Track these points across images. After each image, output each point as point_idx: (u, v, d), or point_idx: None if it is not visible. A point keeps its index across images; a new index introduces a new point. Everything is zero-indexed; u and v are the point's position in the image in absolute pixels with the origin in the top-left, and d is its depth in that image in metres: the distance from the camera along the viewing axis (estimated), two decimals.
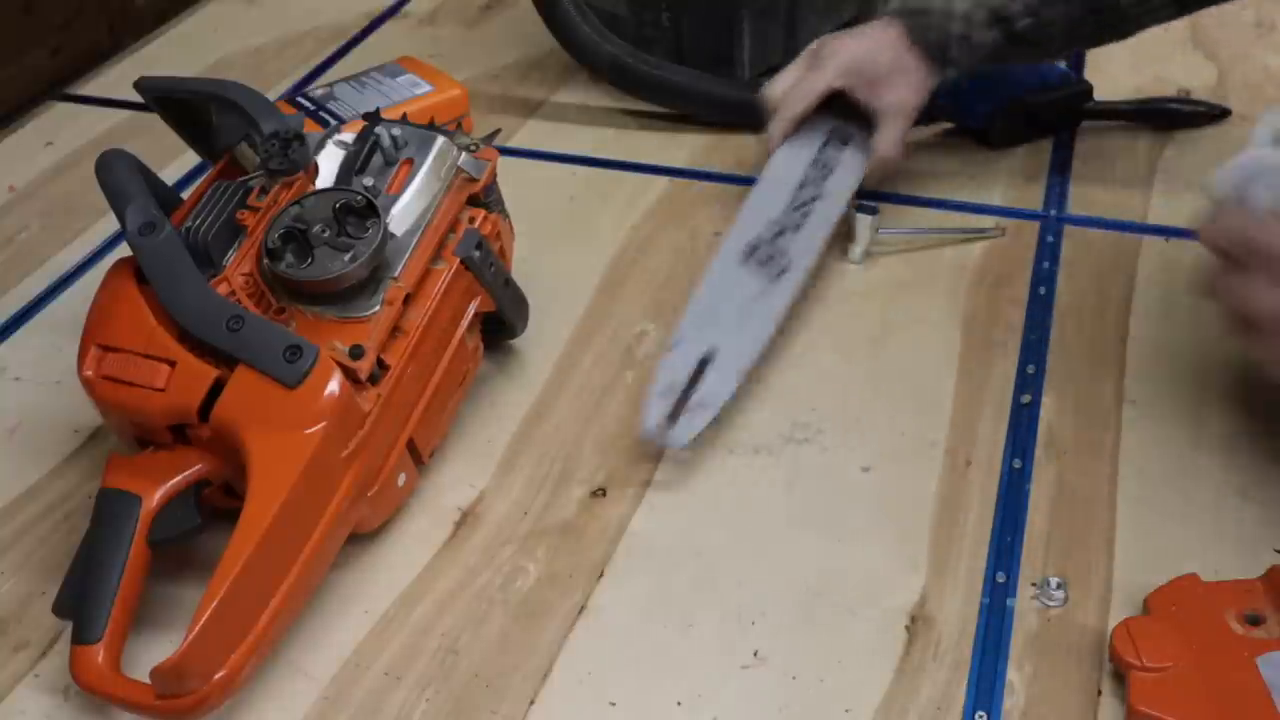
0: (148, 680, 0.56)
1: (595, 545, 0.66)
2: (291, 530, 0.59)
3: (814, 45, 0.86)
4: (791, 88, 0.86)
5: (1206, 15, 1.11)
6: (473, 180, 0.70)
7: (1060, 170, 0.93)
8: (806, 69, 0.86)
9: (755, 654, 0.60)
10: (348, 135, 0.70)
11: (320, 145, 0.70)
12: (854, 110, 0.86)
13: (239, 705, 0.59)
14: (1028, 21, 0.80)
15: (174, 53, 1.20)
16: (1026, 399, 0.73)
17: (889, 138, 0.85)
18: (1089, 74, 1.03)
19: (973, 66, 0.84)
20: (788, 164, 0.84)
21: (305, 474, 0.58)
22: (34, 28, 1.13)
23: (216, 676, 0.56)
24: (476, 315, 0.70)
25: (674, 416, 0.69)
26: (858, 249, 0.84)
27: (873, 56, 0.84)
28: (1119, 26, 0.82)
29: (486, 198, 0.71)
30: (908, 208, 0.90)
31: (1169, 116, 0.97)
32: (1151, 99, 0.99)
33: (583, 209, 0.93)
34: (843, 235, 0.85)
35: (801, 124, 0.86)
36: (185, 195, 0.69)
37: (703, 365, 0.71)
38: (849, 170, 0.84)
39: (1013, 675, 0.59)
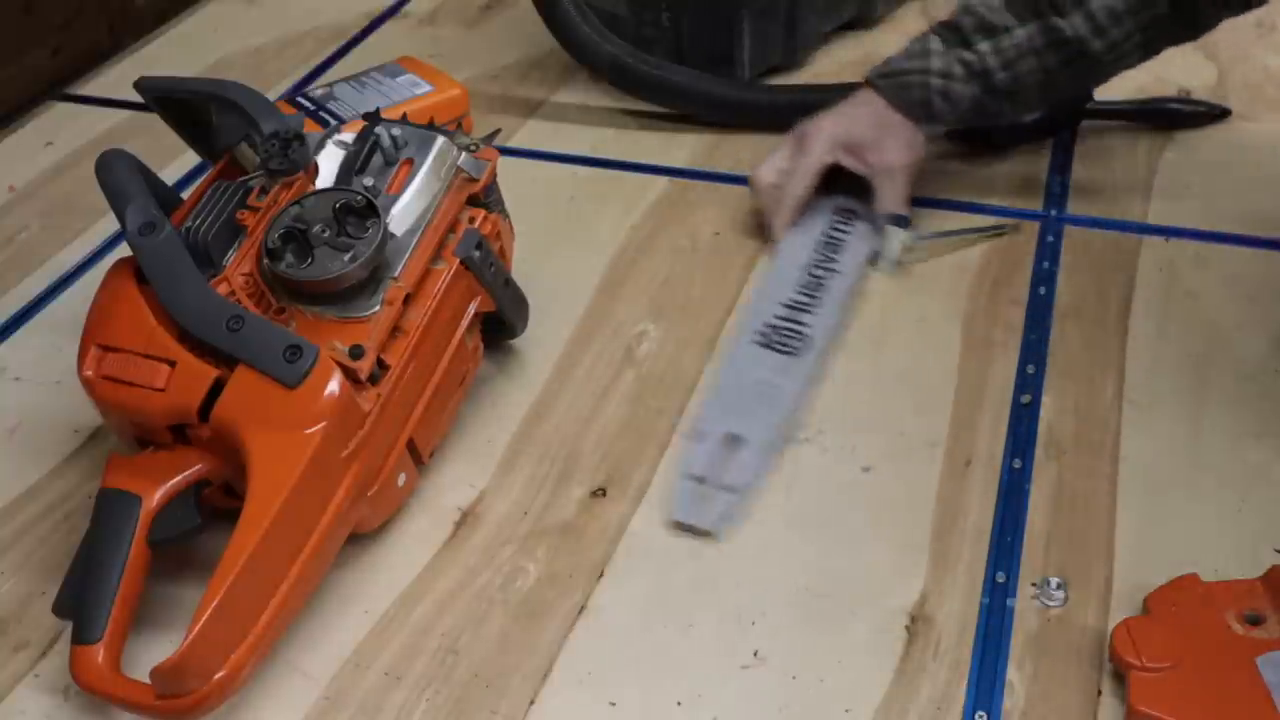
0: (148, 680, 0.56)
1: (595, 545, 0.66)
2: (291, 530, 0.59)
3: (795, 130, 0.87)
4: (784, 174, 0.86)
5: None
6: (473, 180, 0.70)
7: (1060, 170, 0.93)
8: (793, 153, 0.86)
9: (755, 654, 0.60)
10: (348, 135, 0.70)
11: (320, 145, 0.70)
12: (854, 182, 0.86)
13: (239, 705, 0.59)
14: (1004, 75, 0.80)
15: (174, 53, 1.20)
16: (1026, 399, 0.73)
17: (890, 197, 0.85)
18: None
19: (957, 120, 0.85)
20: (795, 247, 0.84)
21: (305, 474, 0.58)
22: (34, 28, 1.13)
23: (216, 676, 0.56)
24: (476, 315, 0.70)
25: (703, 500, 0.67)
26: (887, 261, 0.83)
27: (857, 125, 0.85)
28: (1091, 75, 0.83)
29: (486, 198, 0.71)
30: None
31: (1169, 116, 0.97)
32: (1151, 99, 0.99)
33: (583, 209, 0.93)
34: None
35: (804, 207, 0.86)
36: (185, 195, 0.70)
37: (730, 448, 0.70)
38: (859, 243, 0.84)
39: (1013, 675, 0.59)
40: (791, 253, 0.83)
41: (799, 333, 0.76)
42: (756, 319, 0.78)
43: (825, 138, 0.85)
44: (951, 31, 0.82)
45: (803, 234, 0.85)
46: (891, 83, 0.84)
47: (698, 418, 0.72)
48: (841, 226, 0.85)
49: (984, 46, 0.80)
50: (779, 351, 0.75)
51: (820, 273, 0.81)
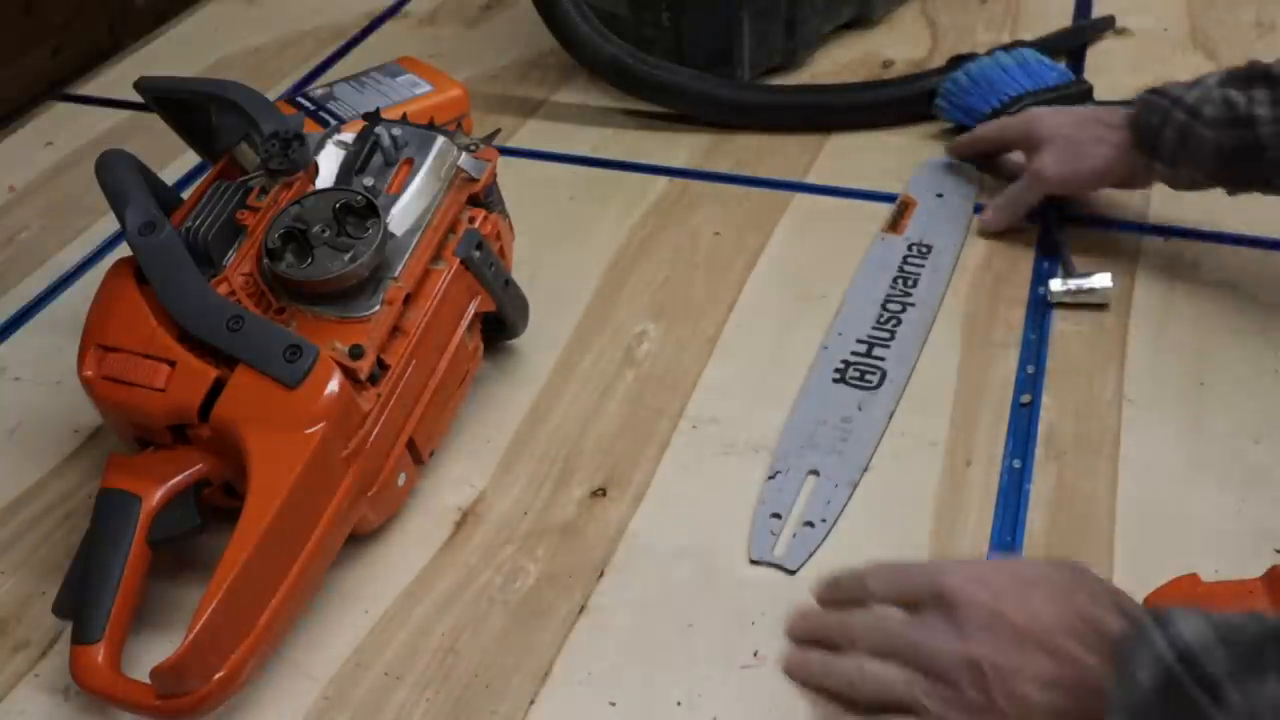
0: (148, 680, 0.56)
1: (595, 545, 0.66)
2: (291, 530, 0.59)
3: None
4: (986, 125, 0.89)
5: (1206, 15, 1.11)
6: (473, 180, 0.70)
7: None
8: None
9: (755, 654, 0.60)
10: (348, 135, 0.70)
11: (320, 145, 0.70)
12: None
13: (239, 705, 0.59)
14: (1273, 131, 0.70)
15: (174, 53, 1.20)
16: (1026, 399, 0.73)
17: (996, 203, 0.85)
18: (1089, 74, 1.02)
19: (1203, 174, 0.75)
20: (867, 285, 0.82)
21: (305, 474, 0.58)
22: (34, 28, 1.13)
23: (216, 676, 0.56)
24: (476, 315, 0.70)
25: (781, 537, 0.66)
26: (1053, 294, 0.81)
27: (1063, 119, 0.82)
28: None
29: (486, 198, 0.71)
30: None
31: None
32: None
33: (583, 209, 0.93)
34: None
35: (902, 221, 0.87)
36: (185, 195, 0.70)
37: (808, 485, 0.68)
38: (935, 276, 0.82)
39: None
40: (866, 288, 0.82)
41: (876, 367, 0.75)
42: (832, 356, 0.76)
43: (1027, 114, 0.86)
44: (1237, 72, 0.74)
45: (877, 268, 0.83)
46: (1143, 99, 0.77)
47: (774, 455, 0.70)
48: (916, 261, 0.84)
49: (1260, 94, 0.71)
50: (855, 387, 0.74)
51: (896, 306, 0.80)
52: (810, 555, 0.65)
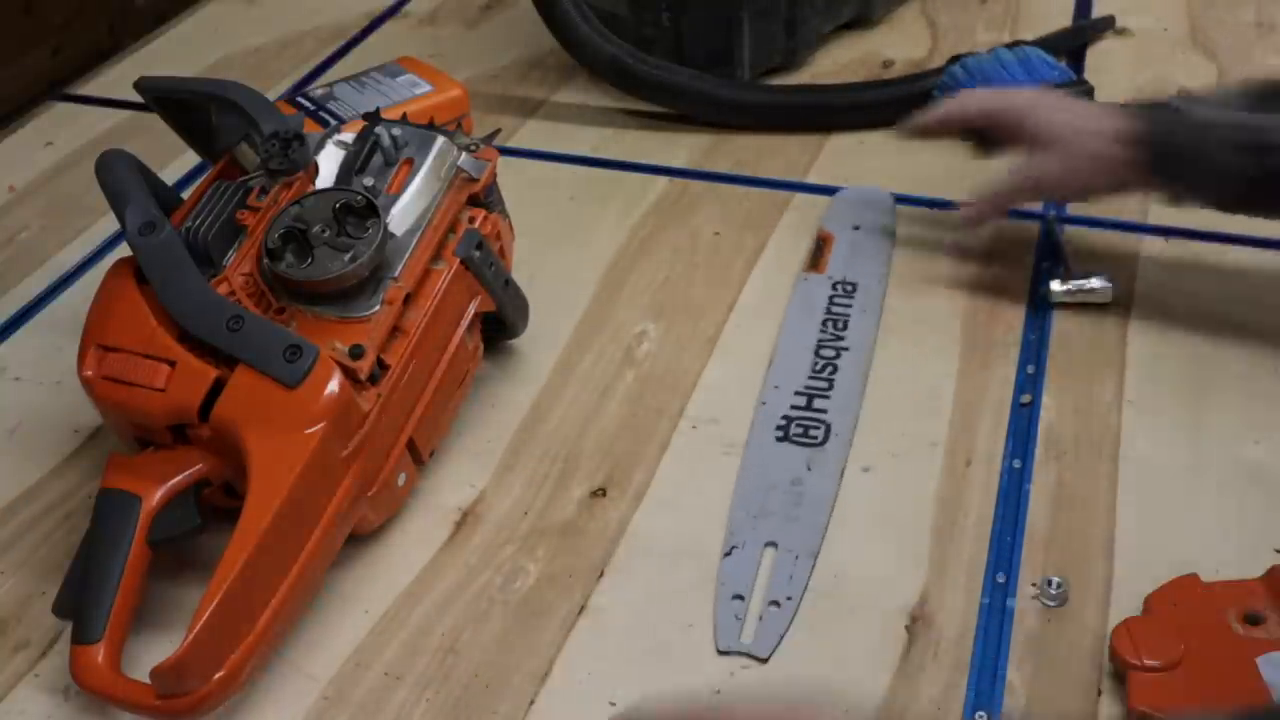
0: (148, 680, 0.56)
1: (595, 545, 0.66)
2: (291, 530, 0.59)
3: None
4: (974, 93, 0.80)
5: (1206, 15, 1.11)
6: (473, 180, 0.70)
7: None
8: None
9: None
10: (348, 135, 0.70)
11: (320, 145, 0.70)
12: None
13: (239, 705, 0.59)
14: None
15: (174, 53, 1.20)
16: (1026, 399, 0.73)
17: (982, 194, 0.79)
18: (1089, 74, 1.02)
19: (1193, 200, 0.70)
20: (797, 331, 0.78)
21: (305, 474, 0.58)
22: (34, 28, 1.13)
23: (216, 676, 0.56)
24: (476, 315, 0.70)
25: (748, 621, 0.61)
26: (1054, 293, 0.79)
27: (1064, 120, 0.74)
28: None
29: (486, 198, 0.71)
30: (902, 207, 0.89)
31: None
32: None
33: (583, 209, 0.93)
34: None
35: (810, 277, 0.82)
36: (185, 195, 0.70)
37: (768, 558, 0.64)
38: (865, 317, 0.79)
39: (1013, 675, 0.59)
40: (796, 335, 0.79)
41: (819, 421, 0.72)
42: (772, 414, 0.72)
43: (1026, 103, 0.76)
44: (1255, 88, 0.69)
45: (804, 312, 0.80)
46: (1161, 120, 0.70)
47: (727, 532, 0.66)
48: (842, 301, 0.81)
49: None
50: (801, 445, 0.70)
51: (830, 352, 0.76)
52: (780, 639, 0.61)
